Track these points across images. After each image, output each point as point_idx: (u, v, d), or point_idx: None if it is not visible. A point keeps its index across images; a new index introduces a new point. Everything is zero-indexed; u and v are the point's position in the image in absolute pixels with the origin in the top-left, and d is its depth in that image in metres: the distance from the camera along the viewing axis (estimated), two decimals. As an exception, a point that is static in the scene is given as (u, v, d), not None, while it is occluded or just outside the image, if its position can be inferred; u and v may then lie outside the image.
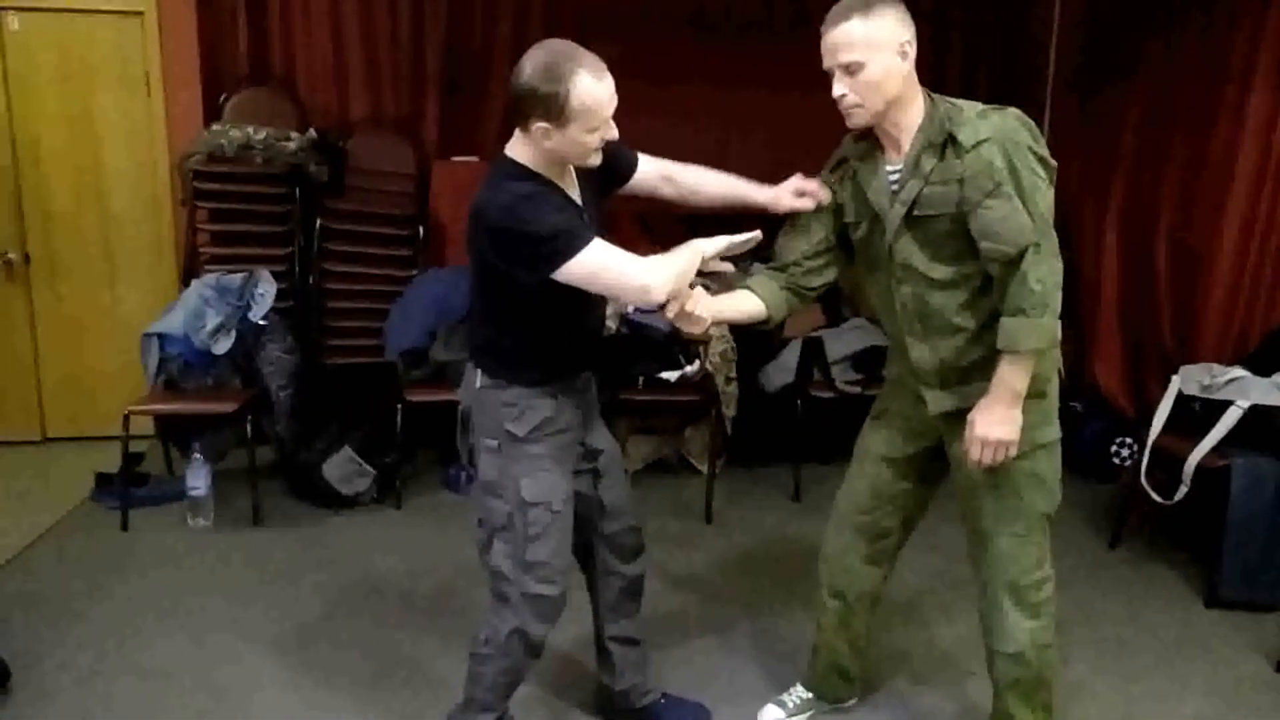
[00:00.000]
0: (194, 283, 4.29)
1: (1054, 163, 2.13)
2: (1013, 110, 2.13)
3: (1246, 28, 4.04)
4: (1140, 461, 3.74)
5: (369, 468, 4.16)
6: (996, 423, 2.15)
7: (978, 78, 5.45)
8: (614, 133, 2.12)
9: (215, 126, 4.55)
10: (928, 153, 2.14)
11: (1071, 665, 2.99)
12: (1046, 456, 2.28)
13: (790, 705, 2.74)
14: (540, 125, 2.05)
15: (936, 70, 5.31)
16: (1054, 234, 2.11)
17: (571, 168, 2.20)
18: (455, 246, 4.87)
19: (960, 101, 2.16)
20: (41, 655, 2.97)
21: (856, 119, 2.18)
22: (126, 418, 3.91)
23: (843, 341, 4.46)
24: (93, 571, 3.55)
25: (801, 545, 3.85)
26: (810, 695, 2.74)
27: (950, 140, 2.10)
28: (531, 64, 2.04)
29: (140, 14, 4.65)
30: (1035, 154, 2.09)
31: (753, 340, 4.64)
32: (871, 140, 2.25)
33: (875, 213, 2.25)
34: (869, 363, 4.40)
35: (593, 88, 2.03)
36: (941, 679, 2.98)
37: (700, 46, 4.92)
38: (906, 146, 2.18)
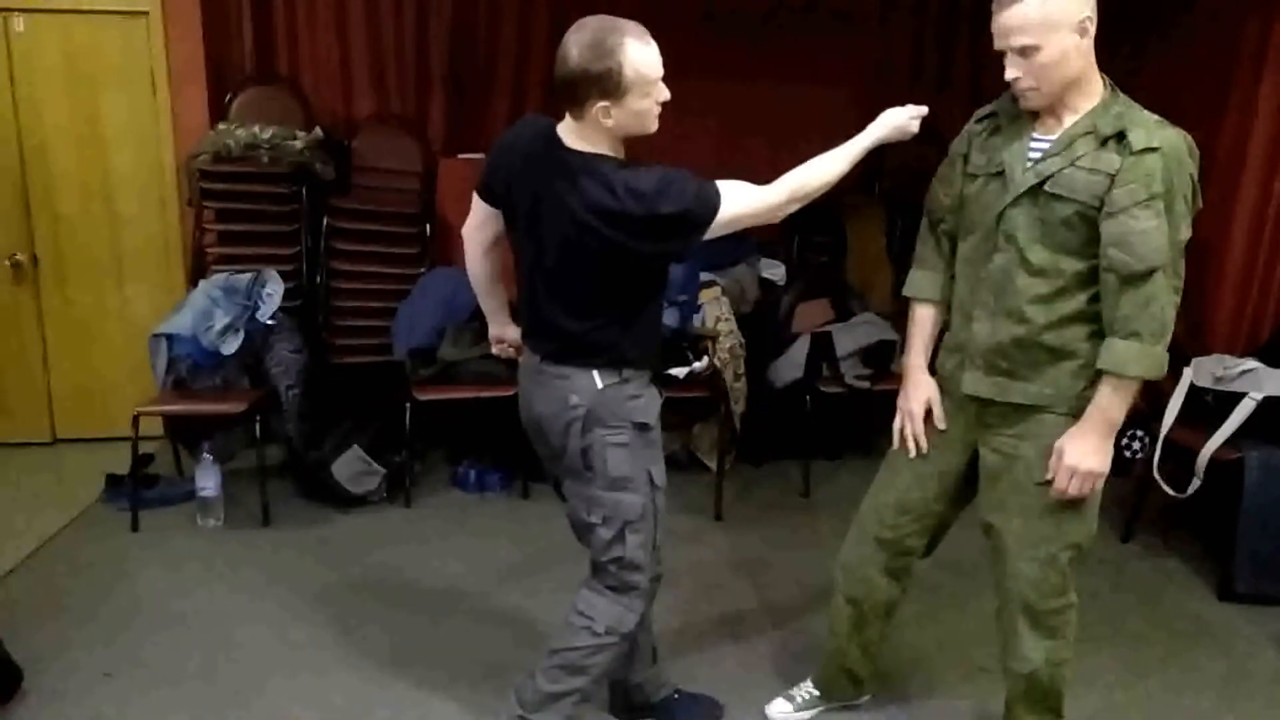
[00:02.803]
0: (201, 283, 4.29)
1: (1201, 203, 2.08)
2: (1186, 134, 2.05)
3: (1256, 17, 4.01)
4: (1153, 454, 3.72)
5: (378, 467, 4.15)
6: (1090, 453, 2.09)
7: (985, 75, 5.43)
8: (667, 94, 2.12)
9: (221, 126, 4.55)
10: (1086, 139, 2.05)
11: (1084, 659, 2.96)
12: None
13: (799, 700, 2.74)
14: (599, 105, 2.05)
15: (946, 67, 5.30)
16: (1183, 268, 2.06)
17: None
18: (462, 245, 4.85)
19: (1140, 106, 2.09)
20: (53, 657, 2.97)
21: (1032, 102, 2.09)
22: (136, 419, 3.91)
23: (852, 336, 4.43)
24: (103, 573, 3.55)
25: (812, 540, 3.84)
26: (818, 693, 2.73)
27: (1118, 137, 2.02)
28: (577, 46, 2.03)
29: (145, 14, 4.64)
30: (1193, 184, 2.03)
31: (761, 336, 4.63)
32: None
33: (999, 171, 2.16)
34: (878, 358, 4.39)
35: (642, 54, 2.04)
36: (953, 676, 2.97)
37: (709, 42, 4.91)
38: (1067, 123, 2.09)
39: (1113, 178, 2.00)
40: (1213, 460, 3.50)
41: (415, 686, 2.87)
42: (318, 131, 4.65)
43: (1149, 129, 2.01)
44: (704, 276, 4.65)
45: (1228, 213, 4.11)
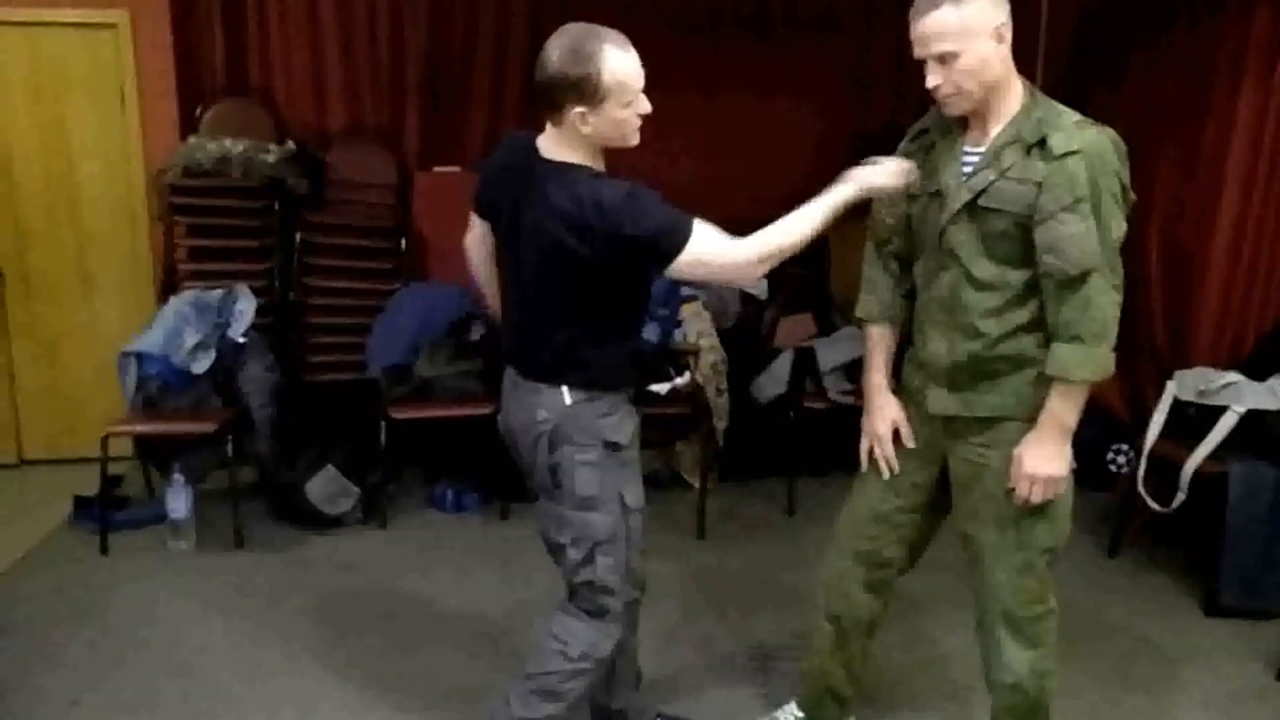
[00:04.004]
0: (172, 300, 4.24)
1: (1134, 196, 2.08)
2: (1110, 131, 2.06)
3: (1233, 30, 4.03)
4: (1137, 468, 3.71)
5: (353, 487, 4.09)
6: (1047, 458, 2.10)
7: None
8: (647, 106, 2.10)
9: (192, 139, 4.50)
10: (1012, 148, 2.07)
11: (1070, 675, 2.94)
12: None
13: (782, 723, 2.70)
14: (576, 110, 2.03)
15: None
16: (1120, 265, 2.06)
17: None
18: (438, 260, 4.82)
19: (1060, 106, 2.10)
20: (19, 684, 2.91)
21: (954, 108, 2.11)
22: (105, 439, 3.84)
23: (835, 351, 4.42)
24: (72, 597, 3.48)
25: (797, 558, 3.80)
26: (803, 715, 2.68)
27: (1041, 143, 2.03)
28: (557, 50, 2.03)
29: (114, 26, 4.59)
30: (1120, 180, 2.04)
31: (744, 351, 4.60)
32: (956, 118, 2.17)
33: (938, 190, 2.18)
34: (862, 372, 4.36)
35: (622, 61, 2.03)
36: (940, 696, 2.94)
37: (688, 53, 4.89)
38: (993, 133, 2.11)
39: (1040, 185, 2.02)
40: (1197, 474, 3.50)
41: (392, 711, 2.82)
42: (290, 145, 4.61)
43: (1068, 132, 2.03)
44: (685, 291, 4.62)
45: (1209, 226, 4.11)
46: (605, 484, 2.21)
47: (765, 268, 2.12)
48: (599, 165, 2.14)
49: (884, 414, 2.37)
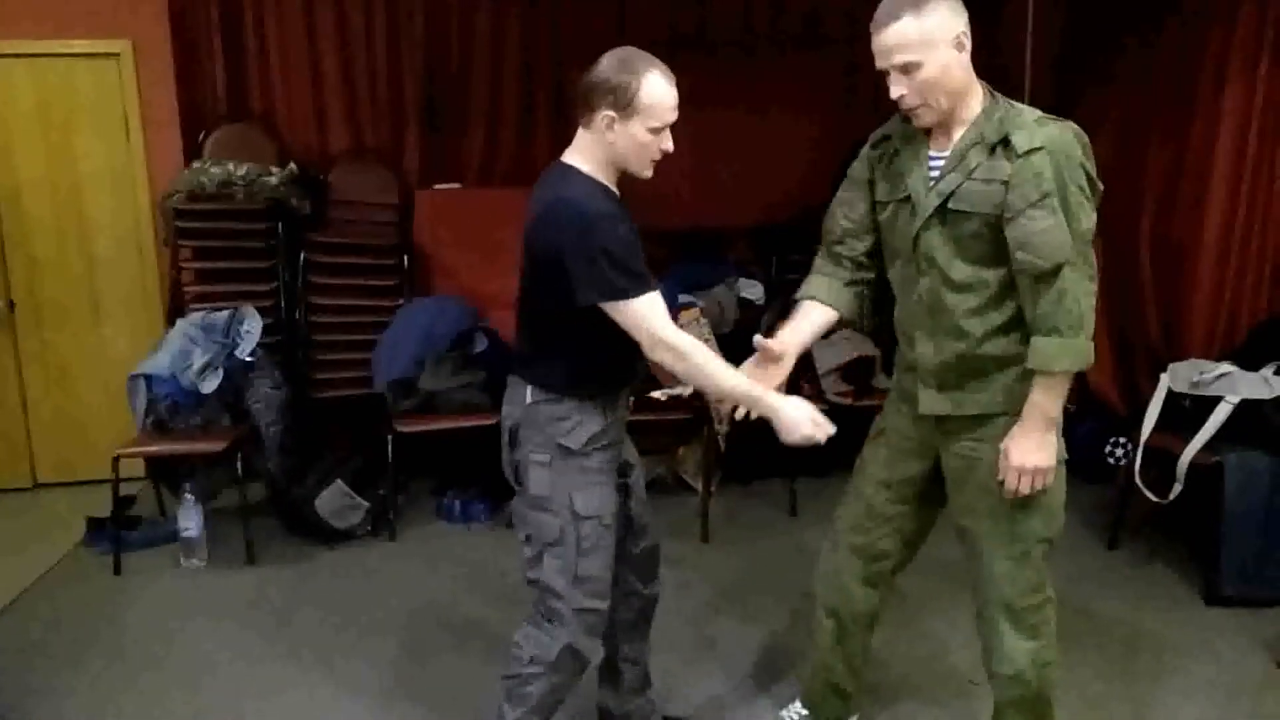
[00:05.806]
0: (179, 322, 4.28)
1: (1101, 185, 2.11)
2: (1071, 124, 2.10)
3: (1220, 25, 4.07)
4: (1134, 461, 3.74)
5: (362, 501, 4.13)
6: (1033, 450, 2.13)
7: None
8: (670, 145, 2.18)
9: (195, 165, 4.55)
10: (977, 149, 2.10)
11: (1073, 668, 2.97)
12: None
13: (788, 720, 2.72)
14: (606, 114, 2.12)
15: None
16: (1092, 255, 2.09)
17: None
18: (440, 275, 4.87)
19: (1020, 105, 2.14)
20: (37, 706, 2.94)
21: (923, 120, 2.13)
22: (116, 461, 3.88)
23: (832, 352, 4.45)
24: (86, 618, 3.52)
25: (800, 560, 3.82)
26: (806, 712, 2.72)
27: (1004, 142, 2.07)
28: (608, 58, 2.15)
29: (116, 56, 4.66)
30: (1086, 172, 2.07)
31: (742, 356, 4.62)
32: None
33: (906, 197, 2.21)
34: (858, 373, 4.39)
35: (662, 88, 2.13)
36: (944, 691, 2.96)
37: (677, 69, 4.93)
38: (956, 137, 2.13)
39: (1007, 184, 2.05)
40: (1193, 465, 3.52)
41: (405, 721, 2.85)
42: (292, 167, 4.66)
43: (1030, 129, 2.06)
44: (683, 298, 4.66)
45: (1199, 218, 4.14)
46: (556, 486, 2.23)
47: (668, 356, 2.13)
48: (610, 182, 2.21)
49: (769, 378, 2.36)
